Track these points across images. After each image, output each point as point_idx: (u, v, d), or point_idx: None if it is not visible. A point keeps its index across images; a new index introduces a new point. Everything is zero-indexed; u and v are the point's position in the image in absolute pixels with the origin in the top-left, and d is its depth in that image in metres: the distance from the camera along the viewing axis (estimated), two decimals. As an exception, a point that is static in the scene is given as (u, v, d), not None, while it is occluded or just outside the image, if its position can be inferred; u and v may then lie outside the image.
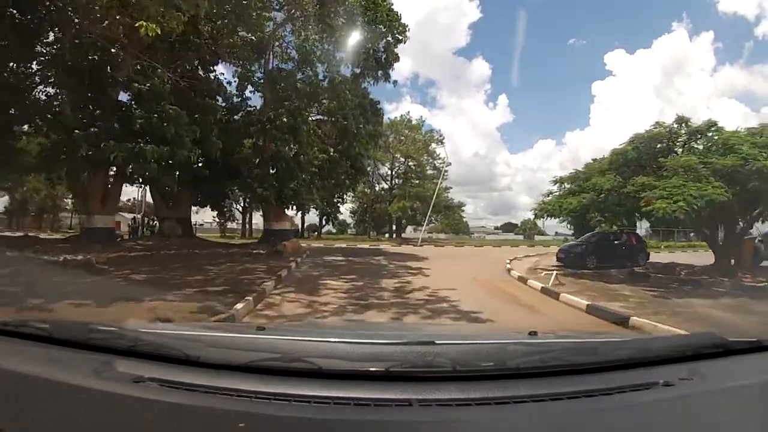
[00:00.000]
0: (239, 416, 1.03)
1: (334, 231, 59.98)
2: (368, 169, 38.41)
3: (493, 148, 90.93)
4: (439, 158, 49.32)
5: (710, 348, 1.48)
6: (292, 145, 21.71)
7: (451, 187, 50.74)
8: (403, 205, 45.14)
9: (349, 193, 41.63)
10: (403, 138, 46.73)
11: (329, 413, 1.06)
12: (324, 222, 56.17)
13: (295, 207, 24.23)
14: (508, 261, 17.58)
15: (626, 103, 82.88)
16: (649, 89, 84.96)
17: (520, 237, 63.48)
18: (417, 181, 48.88)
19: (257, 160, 22.58)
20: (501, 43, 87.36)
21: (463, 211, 53.63)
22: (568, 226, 20.10)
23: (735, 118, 69.57)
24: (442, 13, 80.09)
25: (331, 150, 25.26)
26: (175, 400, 1.10)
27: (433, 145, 48.36)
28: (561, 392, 1.15)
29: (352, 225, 60.19)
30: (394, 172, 50.19)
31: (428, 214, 42.54)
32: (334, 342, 1.54)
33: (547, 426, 1.07)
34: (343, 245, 32.17)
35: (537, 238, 57.72)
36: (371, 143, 25.67)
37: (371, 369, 1.22)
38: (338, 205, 47.66)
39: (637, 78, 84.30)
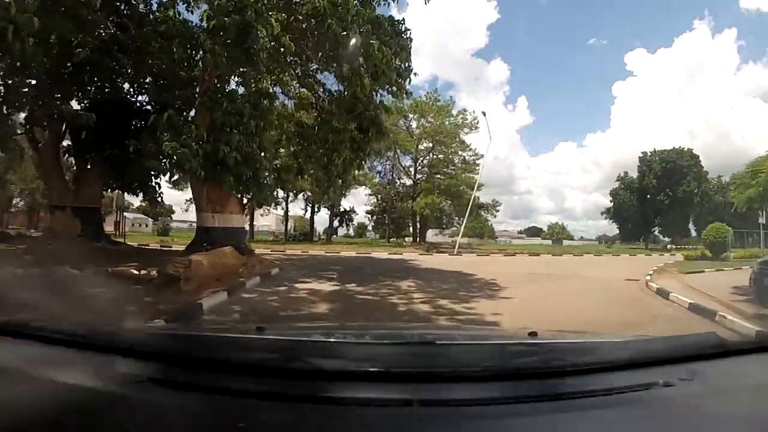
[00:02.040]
0: (239, 416, 1.02)
1: (352, 234, 54.45)
2: (389, 143, 30.52)
3: (512, 150, 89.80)
4: (470, 149, 40.13)
5: (710, 348, 1.43)
6: (245, 68, 11.73)
7: (483, 184, 41.30)
8: (432, 201, 35.86)
9: (359, 177, 33.52)
10: (431, 121, 37.66)
11: (329, 413, 1.05)
12: (339, 223, 49.96)
13: (252, 189, 12.71)
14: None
15: (648, 103, 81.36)
16: (671, 89, 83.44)
17: (548, 242, 61.71)
18: (448, 173, 40.06)
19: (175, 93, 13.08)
20: (519, 44, 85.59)
21: (498, 211, 44.16)
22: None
23: (760, 118, 66.28)
24: (460, 14, 78.54)
25: (320, 90, 15.37)
26: (175, 400, 1.10)
27: (465, 131, 38.89)
28: (561, 393, 1.15)
29: (370, 227, 52.86)
30: (418, 164, 41.03)
31: (468, 211, 32.74)
32: (334, 342, 1.57)
33: (548, 426, 1.05)
34: (353, 254, 25.10)
35: (565, 243, 56.70)
36: (394, 84, 14.23)
37: (371, 369, 1.18)
38: (342, 193, 38.44)
39: (658, 78, 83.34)
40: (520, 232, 78.69)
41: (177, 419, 1.05)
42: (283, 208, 45.27)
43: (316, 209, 45.96)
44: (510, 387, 1.17)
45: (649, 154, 51.04)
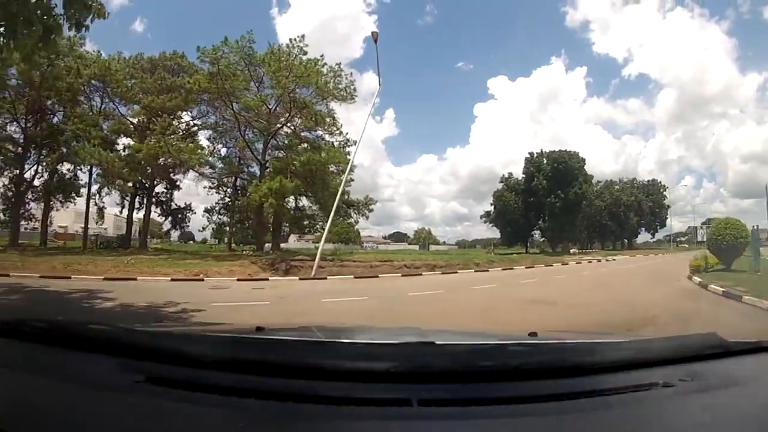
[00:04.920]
0: (239, 416, 1.02)
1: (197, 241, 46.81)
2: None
3: (377, 159, 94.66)
4: (339, 130, 28.74)
5: (710, 349, 1.42)
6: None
7: (353, 179, 29.74)
8: (281, 185, 23.04)
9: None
10: (287, 74, 24.47)
11: (329, 413, 1.05)
12: (173, 225, 38.66)
13: None
14: None
15: (504, 124, 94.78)
16: (525, 113, 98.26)
17: (415, 247, 62.16)
18: (307, 146, 28.29)
19: None
20: (393, 59, 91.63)
21: (372, 210, 32.73)
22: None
23: (598, 143, 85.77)
24: (341, 22, 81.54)
25: None
26: (175, 400, 1.10)
27: (338, 102, 26.61)
28: (561, 393, 1.13)
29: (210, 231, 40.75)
30: (270, 137, 28.16)
31: (336, 203, 20.05)
32: (334, 342, 1.55)
33: (548, 426, 1.05)
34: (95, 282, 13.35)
35: (432, 248, 57.92)
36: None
37: (371, 369, 1.18)
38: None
39: (516, 102, 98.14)
40: (384, 238, 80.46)
41: (177, 419, 1.04)
42: (97, 204, 31.78)
43: (138, 204, 32.67)
44: (510, 387, 1.16)
45: (536, 154, 48.88)
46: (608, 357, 1.35)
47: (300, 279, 16.10)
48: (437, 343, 1.37)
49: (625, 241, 65.05)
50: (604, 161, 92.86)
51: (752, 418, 1.12)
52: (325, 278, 16.41)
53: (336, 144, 27.93)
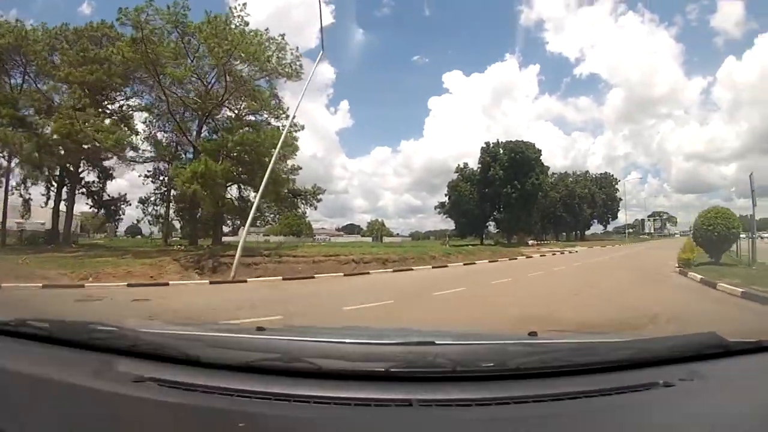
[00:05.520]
0: (239, 416, 1.02)
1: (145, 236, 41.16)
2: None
3: (331, 151, 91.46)
4: (282, 110, 25.63)
5: (710, 348, 1.43)
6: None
7: (300, 167, 26.56)
8: (208, 167, 19.03)
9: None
10: (221, 42, 20.61)
11: (329, 413, 1.05)
12: (106, 218, 36.23)
13: None
14: None
15: (458, 118, 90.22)
16: (478, 108, 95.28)
17: (369, 239, 61.57)
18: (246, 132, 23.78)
19: None
20: (349, 50, 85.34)
21: (320, 200, 29.44)
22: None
23: (549, 139, 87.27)
24: (296, 9, 74.07)
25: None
26: (175, 400, 1.09)
27: (281, 78, 23.42)
28: (561, 393, 1.13)
29: (146, 223, 33.64)
30: (206, 117, 25.09)
31: (263, 185, 16.57)
32: (334, 342, 1.51)
33: (547, 427, 1.05)
34: None
35: (385, 239, 56.87)
36: None
37: (371, 369, 1.20)
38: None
39: (469, 97, 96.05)
40: (338, 230, 79.18)
41: (177, 419, 1.05)
42: (22, 195, 27.05)
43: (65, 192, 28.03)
44: (510, 387, 1.16)
45: (492, 144, 47.35)
46: (608, 357, 1.36)
47: (211, 283, 12.74)
48: (437, 343, 1.40)
49: (578, 232, 65.70)
50: (555, 156, 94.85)
51: (752, 417, 1.11)
52: (245, 281, 13.08)
53: (280, 124, 24.22)
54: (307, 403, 1.05)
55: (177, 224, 33.67)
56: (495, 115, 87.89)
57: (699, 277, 11.25)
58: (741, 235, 14.60)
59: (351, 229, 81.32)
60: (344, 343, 1.48)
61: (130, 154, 24.94)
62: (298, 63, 22.13)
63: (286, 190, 25.20)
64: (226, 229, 30.76)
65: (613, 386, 1.17)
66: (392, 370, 1.16)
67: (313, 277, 14.24)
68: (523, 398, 1.10)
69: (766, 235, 21.68)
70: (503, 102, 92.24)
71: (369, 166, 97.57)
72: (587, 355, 1.38)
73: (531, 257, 25.20)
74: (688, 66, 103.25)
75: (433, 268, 18.28)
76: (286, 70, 22.03)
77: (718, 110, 78.64)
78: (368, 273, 15.71)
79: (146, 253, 19.05)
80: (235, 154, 22.10)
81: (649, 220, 77.07)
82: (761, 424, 1.09)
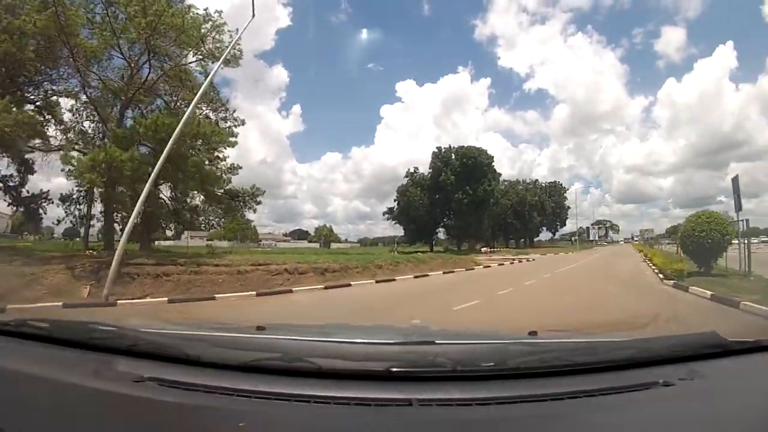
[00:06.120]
0: (239, 416, 1.01)
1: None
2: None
3: (281, 155, 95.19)
4: (225, 107, 23.54)
5: (710, 348, 1.42)
6: None
7: (241, 167, 23.12)
8: (111, 155, 15.65)
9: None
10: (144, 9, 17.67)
11: (329, 413, 1.04)
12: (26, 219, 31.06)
13: None
14: None
15: (409, 127, 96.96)
16: (430, 118, 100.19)
17: (316, 245, 62.65)
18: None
19: None
20: (303, 54, 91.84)
21: (260, 203, 25.72)
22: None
23: (498, 149, 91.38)
24: (254, 10, 64.04)
25: None
26: (175, 399, 1.08)
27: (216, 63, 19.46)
28: (561, 392, 1.13)
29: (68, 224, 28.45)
30: (129, 100, 20.88)
31: (158, 166, 13.57)
32: (335, 342, 1.52)
33: (547, 426, 1.04)
34: None
35: (333, 246, 58.56)
36: None
37: (372, 369, 1.19)
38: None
39: (421, 107, 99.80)
40: (285, 235, 78.79)
41: (177, 419, 1.04)
42: None
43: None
44: (510, 387, 1.15)
45: (444, 149, 47.72)
46: (608, 356, 1.35)
47: (64, 306, 9.54)
48: (438, 342, 1.40)
49: (527, 239, 67.15)
50: (503, 166, 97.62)
51: (752, 416, 1.10)
52: (115, 304, 9.94)
53: (221, 123, 21.72)
54: (307, 403, 1.05)
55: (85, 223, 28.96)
56: (446, 126, 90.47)
57: (708, 293, 9.29)
58: (734, 242, 13.02)
59: (300, 234, 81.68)
60: (344, 342, 1.47)
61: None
62: (237, 48, 19.24)
63: (221, 191, 21.93)
64: (169, 233, 28.40)
65: (613, 386, 1.16)
66: (392, 369, 1.15)
67: (213, 298, 11.29)
68: (523, 398, 1.10)
69: (755, 241, 20.79)
70: (454, 113, 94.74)
71: (319, 171, 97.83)
72: (587, 355, 1.38)
73: (489, 266, 23.37)
74: (632, 86, 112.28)
75: (377, 282, 15.20)
76: (223, 53, 18.58)
77: (657, 128, 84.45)
78: (291, 291, 12.74)
79: (46, 259, 14.63)
80: (151, 144, 18.33)
81: (593, 228, 79.77)
82: (761, 424, 1.08)
